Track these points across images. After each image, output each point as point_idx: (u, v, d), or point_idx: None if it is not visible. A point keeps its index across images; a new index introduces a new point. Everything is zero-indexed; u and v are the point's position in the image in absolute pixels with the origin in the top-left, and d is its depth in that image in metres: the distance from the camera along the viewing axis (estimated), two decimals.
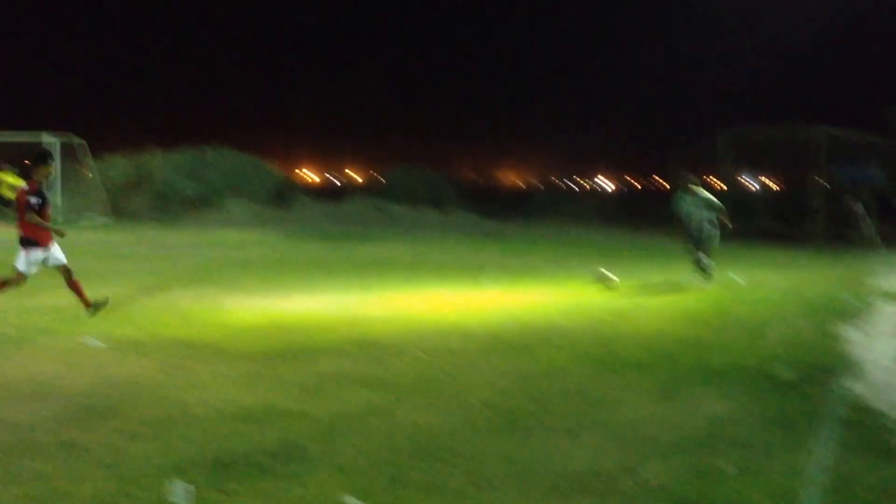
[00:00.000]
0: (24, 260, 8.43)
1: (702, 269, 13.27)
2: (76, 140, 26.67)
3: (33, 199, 8.43)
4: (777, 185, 38.55)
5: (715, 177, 32.01)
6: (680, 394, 6.12)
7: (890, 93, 39.50)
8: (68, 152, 26.68)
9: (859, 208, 27.30)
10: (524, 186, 61.03)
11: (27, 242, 8.46)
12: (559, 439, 4.94)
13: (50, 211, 8.73)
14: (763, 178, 38.01)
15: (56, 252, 8.69)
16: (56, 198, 26.10)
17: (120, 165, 30.05)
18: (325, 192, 40.80)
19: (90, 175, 26.91)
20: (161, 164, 29.77)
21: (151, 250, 17.49)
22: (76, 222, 25.87)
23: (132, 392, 5.65)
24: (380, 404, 5.54)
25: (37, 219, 8.39)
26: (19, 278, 8.52)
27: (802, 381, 6.61)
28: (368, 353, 7.31)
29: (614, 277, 12.65)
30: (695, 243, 13.26)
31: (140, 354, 6.91)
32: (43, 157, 8.89)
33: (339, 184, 54.23)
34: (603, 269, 12.80)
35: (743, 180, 37.77)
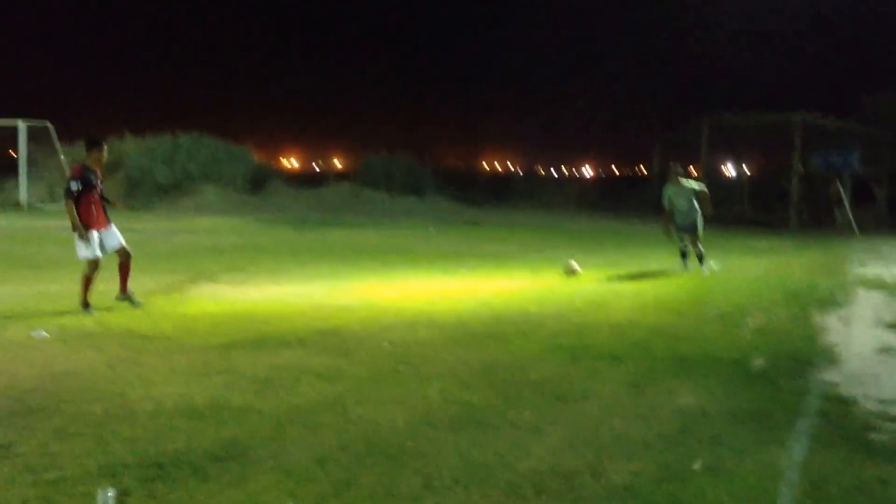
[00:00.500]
0: (82, 246, 8.15)
1: (697, 256, 13.30)
2: (42, 123, 26.09)
3: (72, 185, 8.12)
4: (755, 171, 38.51)
5: (694, 163, 31.90)
6: (651, 386, 5.88)
7: (867, 81, 39.45)
8: (35, 136, 26.14)
9: (838, 193, 27.27)
10: (504, 172, 60.77)
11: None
12: (521, 436, 4.68)
13: (96, 196, 8.29)
14: (741, 165, 37.98)
15: (111, 238, 8.44)
16: (21, 182, 25.62)
17: None
18: (303, 179, 40.38)
19: (61, 158, 26.32)
20: (133, 149, 29.24)
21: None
22: (41, 208, 25.38)
23: (74, 387, 5.33)
24: (335, 399, 5.26)
25: (71, 208, 8.08)
26: (93, 264, 8.20)
27: (778, 372, 6.40)
28: (330, 343, 7.03)
29: (576, 267, 12.50)
30: (683, 231, 13.23)
31: (90, 347, 6.57)
32: (92, 142, 8.52)
33: (318, 170, 53.66)
34: (572, 262, 12.60)
35: (721, 166, 37.74)
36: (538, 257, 15.36)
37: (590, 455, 4.37)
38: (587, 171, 58.72)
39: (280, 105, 71.36)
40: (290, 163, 59.06)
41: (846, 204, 26.99)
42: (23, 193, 25.66)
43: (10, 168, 27.33)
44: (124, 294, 8.58)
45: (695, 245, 13.23)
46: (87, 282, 8.22)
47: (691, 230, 13.12)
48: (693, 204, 13.10)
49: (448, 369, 6.19)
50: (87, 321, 7.63)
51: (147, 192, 27.87)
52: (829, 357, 6.99)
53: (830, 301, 10.32)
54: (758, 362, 6.66)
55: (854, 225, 25.69)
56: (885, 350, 7.35)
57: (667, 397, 5.59)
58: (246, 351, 6.56)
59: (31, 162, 26.31)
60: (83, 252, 8.19)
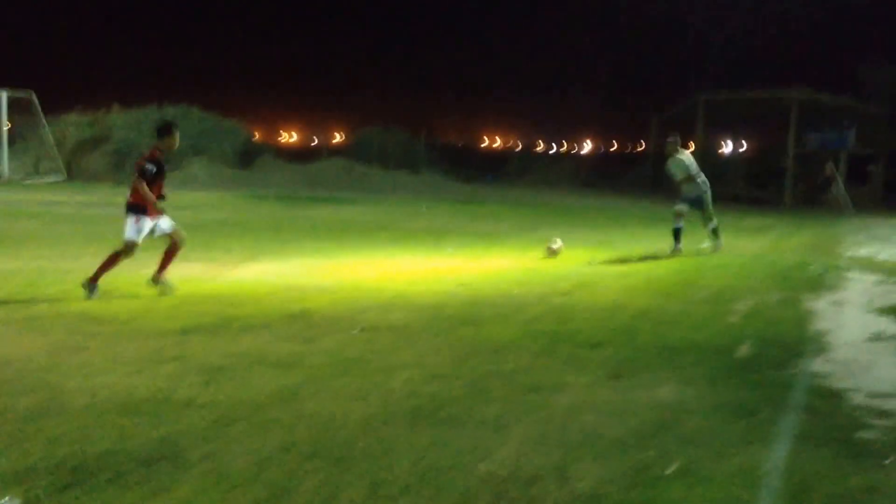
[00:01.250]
0: (132, 227, 7.84)
1: (713, 231, 12.97)
2: (25, 93, 25.59)
3: (148, 167, 7.86)
4: (751, 148, 38.10)
5: (691, 140, 31.50)
6: (629, 376, 5.53)
7: (864, 52, 38.48)
8: (18, 107, 25.65)
9: (832, 172, 26.88)
10: (502, 147, 60.26)
11: (135, 209, 7.85)
12: (484, 433, 4.32)
13: (163, 183, 8.08)
14: (738, 142, 37.57)
15: (164, 222, 8.10)
16: (2, 155, 25.16)
17: (77, 123, 28.98)
18: (296, 153, 39.90)
19: (41, 130, 25.86)
20: (120, 121, 28.75)
21: (100, 211, 16.69)
22: (23, 181, 24.93)
23: (3, 378, 4.94)
24: (288, 391, 4.89)
25: (144, 188, 7.79)
26: (130, 247, 7.86)
27: (765, 361, 6.05)
28: (296, 327, 6.67)
29: (555, 246, 12.13)
30: (690, 204, 12.87)
31: (33, 331, 6.18)
32: (165, 128, 8.24)
33: (313, 144, 53.06)
34: (551, 243, 12.23)
35: (718, 144, 37.30)
36: (529, 236, 15.00)
37: (556, 456, 4.02)
38: (586, 147, 58.06)
39: (281, 80, 70.45)
40: (290, 137, 58.49)
41: (840, 183, 26.63)
42: (4, 166, 25.19)
43: None
44: (158, 281, 8.18)
45: (707, 223, 12.97)
46: (112, 261, 7.83)
47: (699, 205, 12.80)
48: (690, 176, 12.70)
49: (416, 358, 5.83)
50: (38, 307, 7.18)
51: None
52: (819, 345, 6.64)
53: (821, 283, 9.98)
54: (744, 350, 6.32)
55: (849, 204, 25.34)
56: (876, 338, 6.99)
57: (646, 389, 5.24)
58: (203, 336, 6.19)
59: (15, 133, 25.85)
60: (129, 233, 7.86)
